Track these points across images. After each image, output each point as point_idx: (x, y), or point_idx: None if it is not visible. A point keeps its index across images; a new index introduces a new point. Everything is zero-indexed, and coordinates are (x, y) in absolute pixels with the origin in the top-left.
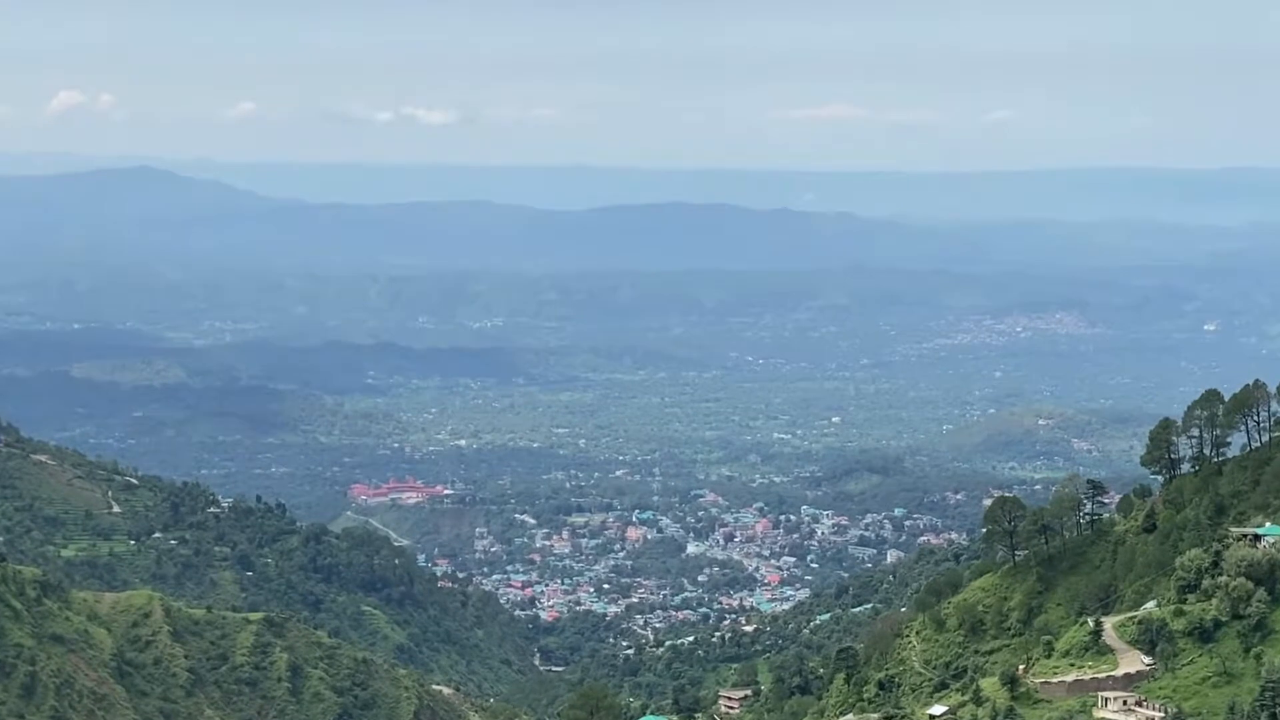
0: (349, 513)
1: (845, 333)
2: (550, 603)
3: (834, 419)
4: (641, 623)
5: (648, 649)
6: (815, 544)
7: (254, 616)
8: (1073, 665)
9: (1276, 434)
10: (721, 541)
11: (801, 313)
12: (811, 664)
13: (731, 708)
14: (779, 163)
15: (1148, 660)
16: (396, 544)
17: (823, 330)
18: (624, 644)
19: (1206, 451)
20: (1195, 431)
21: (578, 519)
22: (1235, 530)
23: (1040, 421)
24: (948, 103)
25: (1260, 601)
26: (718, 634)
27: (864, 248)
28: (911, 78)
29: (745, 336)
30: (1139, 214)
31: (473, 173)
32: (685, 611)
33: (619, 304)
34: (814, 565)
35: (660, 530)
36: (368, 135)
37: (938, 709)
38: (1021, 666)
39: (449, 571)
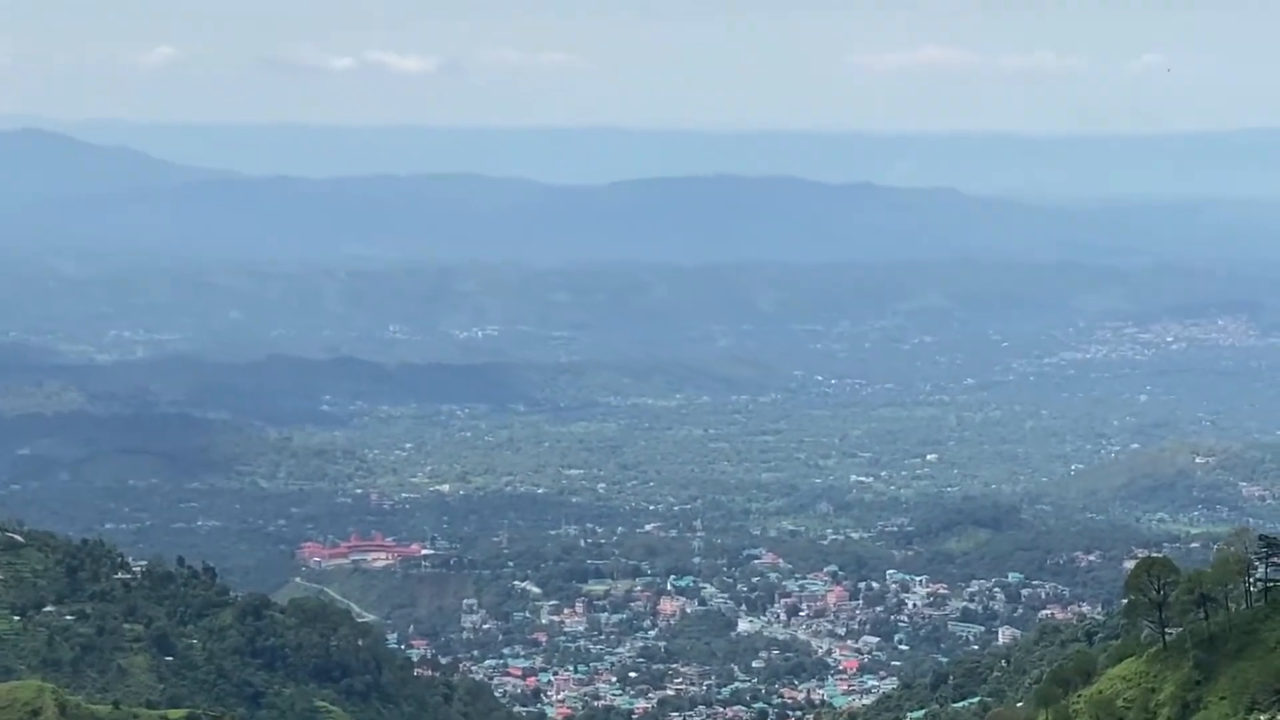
0: (298, 579)
1: (944, 345)
2: (560, 696)
3: (929, 457)
4: None
5: None
6: (905, 619)
7: (175, 714)
8: None
9: None
10: (783, 616)
11: (887, 319)
12: None
13: None
14: (859, 123)
15: None
16: (360, 620)
17: (915, 342)
18: None
19: None
20: None
21: (596, 587)
22: None
23: (1198, 459)
24: (1081, 44)
25: None
26: None
27: (970, 234)
28: (1032, 12)
29: (813, 350)
30: None
31: (459, 137)
32: (736, 708)
33: (649, 307)
34: (903, 647)
35: (703, 602)
36: (321, 88)
37: None
38: None
39: (428, 655)
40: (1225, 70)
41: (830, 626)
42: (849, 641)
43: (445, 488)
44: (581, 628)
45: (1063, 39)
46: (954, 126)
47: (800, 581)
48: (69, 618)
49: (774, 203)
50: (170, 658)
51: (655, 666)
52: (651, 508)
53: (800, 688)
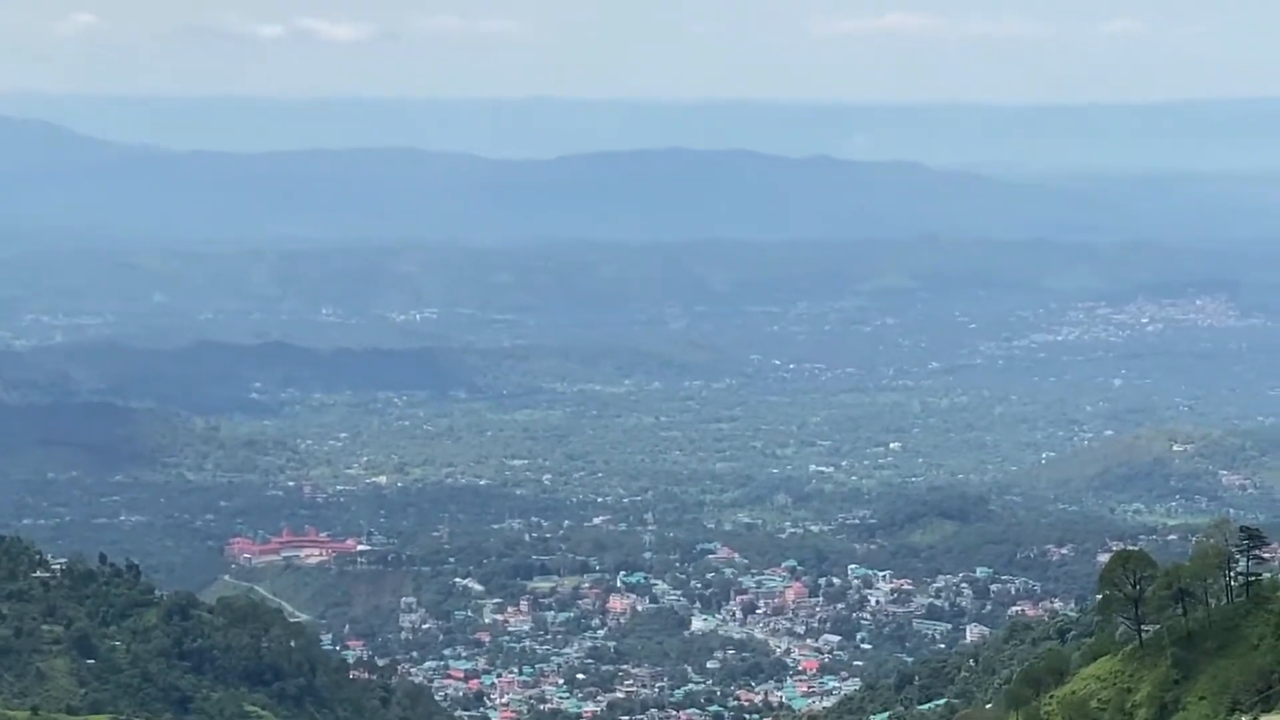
0: (227, 577)
1: (908, 327)
2: (504, 699)
3: (892, 445)
4: None
5: None
6: (867, 617)
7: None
8: None
9: None
10: (739, 614)
11: (848, 300)
12: None
13: None
14: (818, 94)
15: None
16: (292, 619)
17: (877, 324)
18: None
19: None
20: None
21: (541, 584)
22: None
23: (1176, 447)
24: (1050, 9)
25: None
26: None
27: (934, 210)
28: None
29: (770, 332)
30: None
31: (396, 109)
32: (690, 711)
33: (597, 288)
34: (866, 646)
35: (655, 599)
36: (249, 58)
37: None
38: None
39: (365, 657)
40: (1203, 37)
41: (789, 625)
42: (808, 640)
43: (382, 479)
44: (526, 627)
45: (1031, 4)
46: (917, 96)
47: (757, 577)
48: None
49: (728, 178)
50: (92, 660)
51: (604, 668)
52: (600, 500)
53: (757, 689)
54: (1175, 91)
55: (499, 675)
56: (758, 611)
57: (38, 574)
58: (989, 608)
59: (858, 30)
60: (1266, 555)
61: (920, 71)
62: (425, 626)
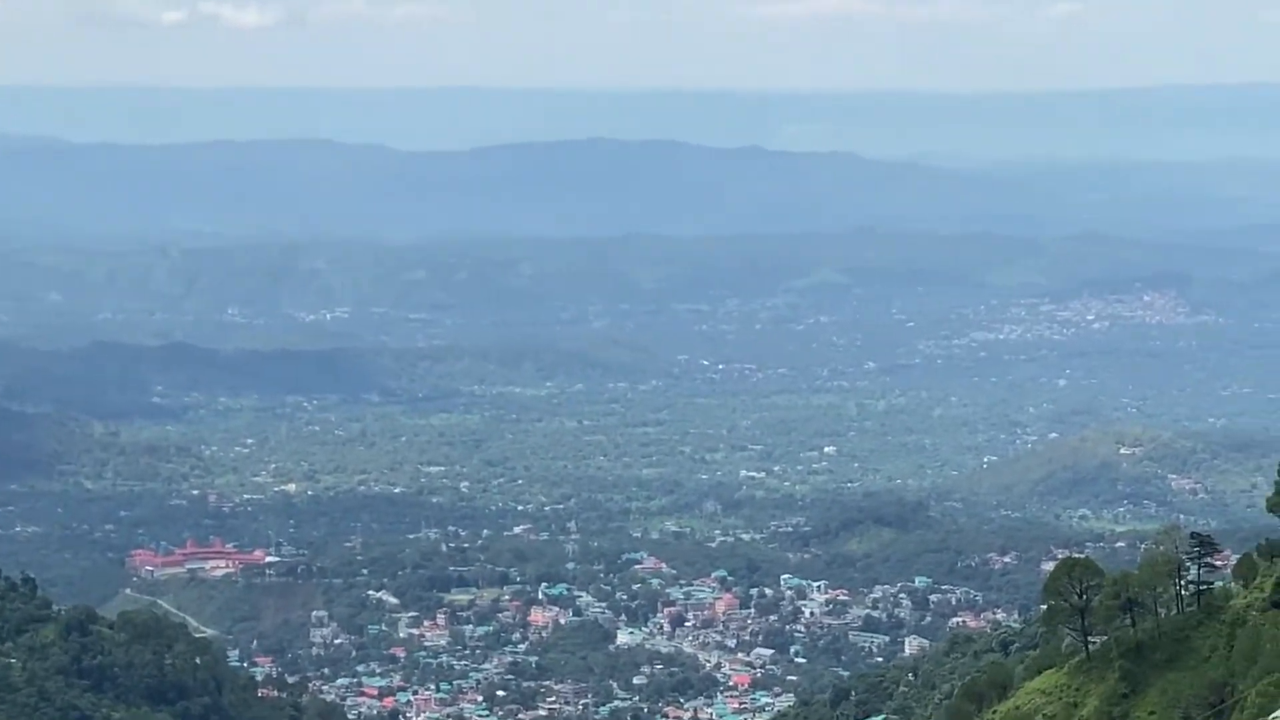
0: (129, 591)
1: (843, 325)
2: (420, 717)
3: (827, 449)
4: None
5: None
6: (801, 629)
7: None
8: None
9: None
10: (667, 627)
11: (780, 297)
12: None
13: None
14: (747, 81)
15: None
16: (197, 634)
17: (810, 322)
18: None
19: None
20: None
21: (459, 596)
22: None
23: (1123, 450)
24: None
25: None
26: None
27: (870, 202)
28: None
29: (699, 331)
30: (1272, 151)
31: (304, 98)
32: None
33: (517, 286)
34: (800, 660)
35: (579, 612)
36: (150, 44)
37: None
38: None
39: (274, 674)
40: (1151, 22)
41: (719, 638)
42: (740, 654)
43: (291, 488)
44: (444, 641)
45: None
46: (853, 83)
47: (685, 588)
48: None
49: (654, 169)
50: None
51: (525, 684)
52: (520, 508)
53: (686, 706)
54: (1123, 78)
55: (415, 692)
56: (686, 624)
57: None
58: (929, 619)
59: (790, 14)
60: (1218, 563)
61: (856, 57)
62: (337, 641)
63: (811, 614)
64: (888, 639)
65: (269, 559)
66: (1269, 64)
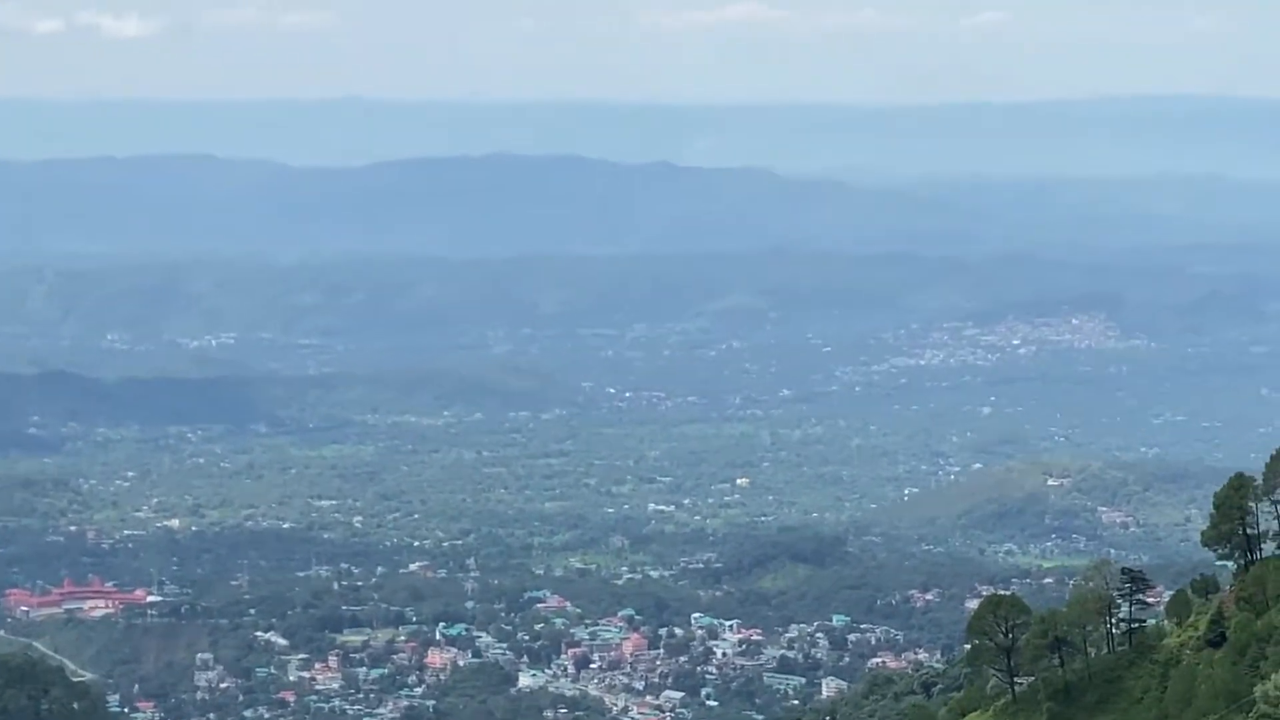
0: (2, 632)
1: (757, 350)
2: None
3: (740, 481)
4: None
5: None
6: (713, 670)
7: None
8: None
9: None
10: (571, 669)
11: (690, 321)
12: None
13: None
14: (656, 93)
15: None
16: (75, 678)
17: (722, 347)
18: None
19: None
20: None
21: (352, 637)
22: None
23: (1051, 481)
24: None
25: None
26: None
27: (785, 221)
28: None
29: (605, 357)
30: (1203, 166)
31: (189, 111)
32: None
33: (413, 309)
34: (712, 703)
35: (478, 653)
36: (24, 55)
37: None
38: None
39: (156, 719)
40: (1078, 31)
41: (626, 680)
42: (648, 697)
43: (175, 523)
44: (336, 685)
45: None
46: (767, 96)
47: (591, 628)
48: None
49: (558, 186)
50: None
51: None
52: (417, 544)
53: None
54: (1049, 90)
55: None
56: (592, 666)
57: None
58: (847, 659)
59: (700, 23)
60: (1150, 600)
61: (770, 68)
62: (223, 685)
63: (724, 655)
64: (804, 681)
65: (151, 598)
66: (1201, 74)
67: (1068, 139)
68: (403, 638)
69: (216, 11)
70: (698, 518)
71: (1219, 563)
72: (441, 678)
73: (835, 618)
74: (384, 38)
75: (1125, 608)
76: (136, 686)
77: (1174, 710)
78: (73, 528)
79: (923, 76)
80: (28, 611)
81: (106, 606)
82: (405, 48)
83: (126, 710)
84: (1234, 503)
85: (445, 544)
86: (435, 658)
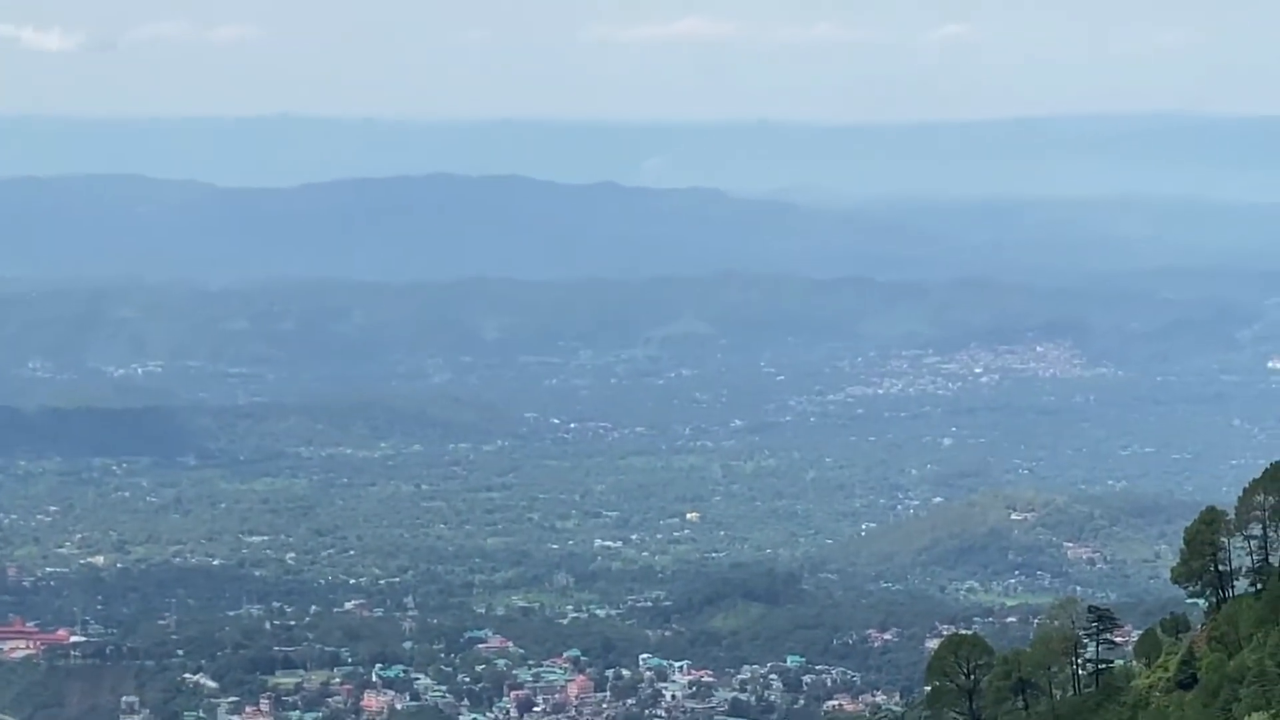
0: None
1: (707, 379)
2: None
3: (690, 516)
4: None
5: None
6: (662, 714)
7: None
8: None
9: None
10: (514, 712)
11: (638, 348)
12: None
13: None
14: (602, 111)
15: None
16: None
17: (671, 375)
18: None
19: (1274, 560)
20: (1256, 529)
21: (285, 680)
22: None
23: (1014, 516)
24: (868, 14)
25: None
26: None
27: (737, 244)
28: None
29: (549, 386)
30: (1171, 187)
31: (115, 129)
32: None
33: (348, 337)
34: None
35: (416, 695)
36: None
37: None
38: None
39: None
40: (1043, 46)
41: None
42: None
43: (99, 560)
44: None
45: (847, 8)
46: (717, 114)
47: (535, 669)
48: None
49: (500, 208)
50: None
51: None
52: (352, 582)
53: None
54: (1011, 107)
55: None
56: (535, 709)
57: None
58: (802, 702)
59: (648, 38)
60: (1118, 639)
61: (720, 86)
62: None
63: (673, 697)
64: None
65: (74, 639)
66: (1169, 91)
67: (1030, 158)
68: (338, 680)
69: (144, 25)
70: (646, 554)
71: (1190, 600)
72: None
73: (789, 658)
74: (318, 52)
75: (1092, 648)
76: None
77: None
78: None
79: (880, 93)
80: None
81: (28, 647)
82: (340, 63)
83: None
84: (1205, 538)
85: (382, 581)
86: (372, 701)
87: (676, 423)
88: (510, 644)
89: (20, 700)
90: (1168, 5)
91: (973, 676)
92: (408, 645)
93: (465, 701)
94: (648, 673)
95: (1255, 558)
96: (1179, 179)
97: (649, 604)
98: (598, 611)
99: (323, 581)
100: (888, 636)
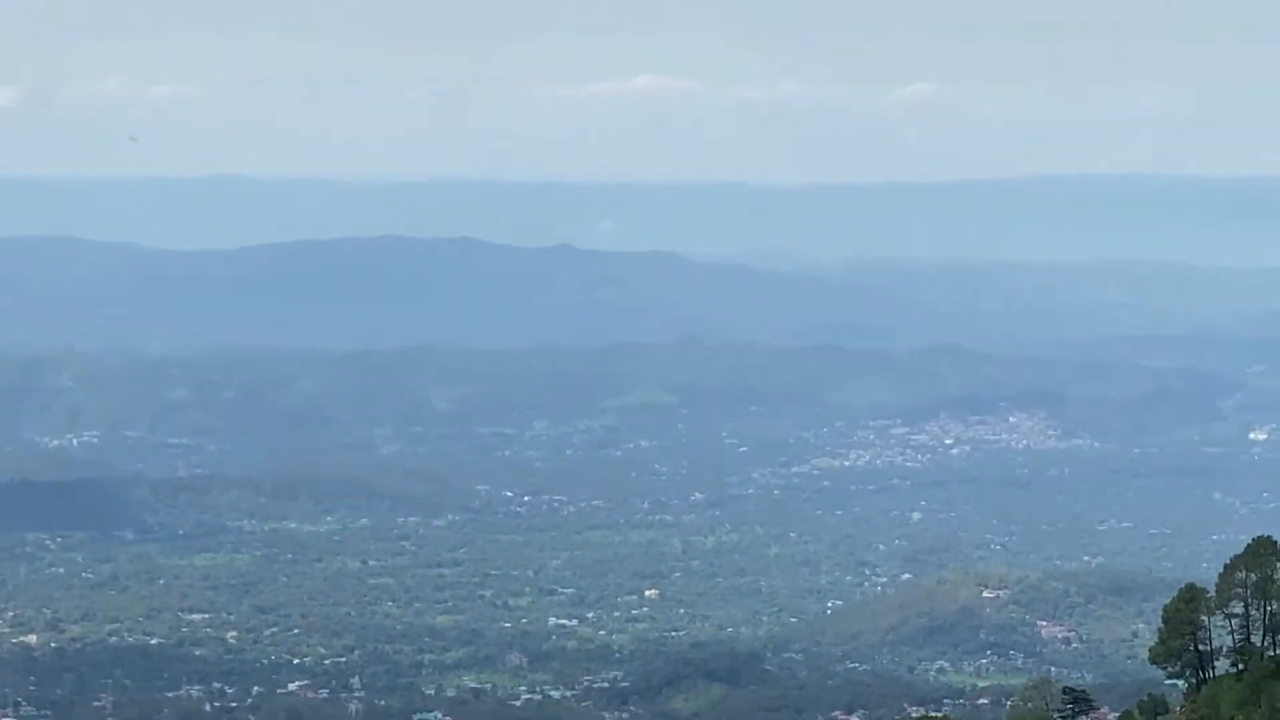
0: None
1: (667, 450)
2: None
3: (648, 593)
4: None
5: None
6: None
7: None
8: None
9: None
10: None
11: (594, 418)
12: None
13: None
14: (556, 171)
15: None
16: None
17: (630, 446)
18: None
19: (1256, 639)
20: (1238, 607)
21: None
22: None
23: (986, 593)
24: (832, 70)
25: None
26: None
27: (697, 309)
28: (775, 31)
29: (502, 458)
30: (1149, 251)
31: (46, 189)
32: None
33: (292, 406)
34: None
35: None
36: None
37: None
38: None
39: None
40: (1014, 104)
41: None
42: None
43: (32, 639)
44: None
45: (810, 65)
46: (676, 175)
47: None
48: None
49: (450, 271)
50: None
51: None
52: (296, 661)
53: None
54: (982, 168)
55: None
56: None
57: None
58: None
59: (604, 95)
60: None
61: (679, 145)
62: None
63: None
64: None
65: None
66: (1147, 153)
67: (1003, 221)
68: None
69: (79, 82)
70: (603, 633)
71: (1169, 681)
72: None
73: None
74: (259, 111)
75: None
76: None
77: None
78: None
79: (846, 152)
80: None
81: None
82: (282, 121)
83: None
84: (1184, 616)
85: (327, 661)
86: None
87: (635, 496)
88: None
89: None
90: (1145, 64)
91: None
92: None
93: None
94: None
95: (1236, 637)
96: (1157, 243)
97: (606, 685)
98: (552, 693)
99: (265, 661)
100: (854, 719)
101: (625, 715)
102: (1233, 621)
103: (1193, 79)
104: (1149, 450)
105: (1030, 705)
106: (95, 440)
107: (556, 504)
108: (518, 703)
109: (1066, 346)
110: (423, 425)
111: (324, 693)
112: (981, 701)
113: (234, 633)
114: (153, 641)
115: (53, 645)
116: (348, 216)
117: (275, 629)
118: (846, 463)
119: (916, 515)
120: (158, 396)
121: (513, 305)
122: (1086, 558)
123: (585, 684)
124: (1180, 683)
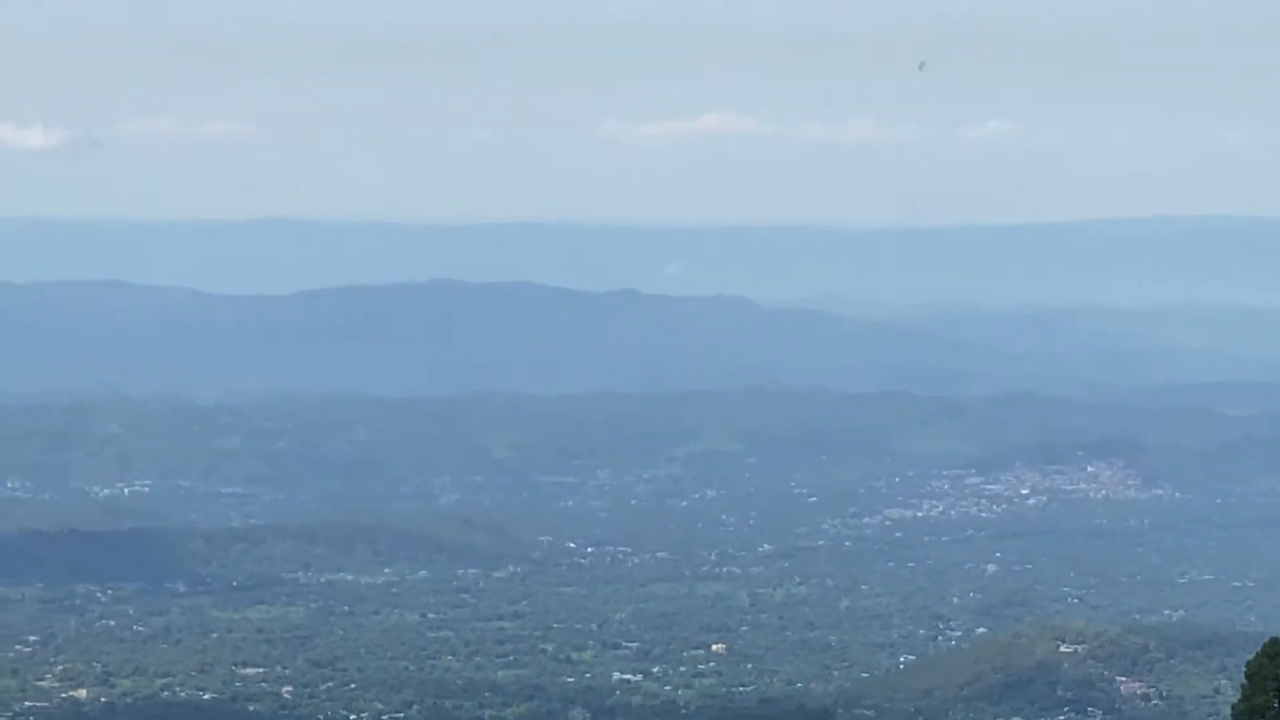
0: None
1: (734, 500)
2: None
3: (715, 647)
4: None
5: None
6: None
7: None
8: None
9: None
10: None
11: (660, 467)
12: None
13: None
14: (620, 213)
15: None
16: None
17: (695, 496)
18: None
19: None
20: None
21: None
22: None
23: (1064, 648)
24: (907, 110)
25: None
26: None
27: (765, 355)
28: (846, 69)
29: (564, 508)
30: (1228, 295)
31: (96, 232)
32: None
33: (349, 455)
34: None
35: None
36: None
37: None
38: None
39: None
40: (1094, 144)
41: None
42: None
43: (82, 694)
44: None
45: (884, 105)
46: (744, 217)
47: None
48: None
49: (508, 317)
50: None
51: None
52: (353, 717)
53: None
54: (1060, 210)
55: None
56: None
57: None
58: None
59: (669, 135)
60: None
61: (747, 187)
62: None
63: None
64: None
65: None
66: (1230, 194)
67: (1078, 264)
68: None
69: (130, 121)
70: (668, 688)
71: None
72: None
73: None
74: (315, 152)
75: None
76: None
77: None
78: None
79: (918, 194)
80: None
81: None
82: (338, 163)
83: None
84: (1269, 672)
85: (385, 717)
86: None
87: (701, 547)
88: None
89: None
90: (1229, 103)
91: None
92: None
93: None
94: None
95: None
96: (1236, 286)
97: None
98: None
99: (322, 717)
100: None
101: None
102: None
103: (1274, 120)
104: (1231, 500)
105: None
106: (146, 489)
107: (620, 555)
108: None
109: (1145, 393)
110: (482, 474)
111: None
112: None
113: (289, 687)
114: (205, 696)
115: (103, 700)
116: (403, 260)
117: (331, 683)
118: (919, 513)
119: (991, 567)
120: (210, 445)
121: (574, 351)
122: (1167, 611)
123: None
124: None
